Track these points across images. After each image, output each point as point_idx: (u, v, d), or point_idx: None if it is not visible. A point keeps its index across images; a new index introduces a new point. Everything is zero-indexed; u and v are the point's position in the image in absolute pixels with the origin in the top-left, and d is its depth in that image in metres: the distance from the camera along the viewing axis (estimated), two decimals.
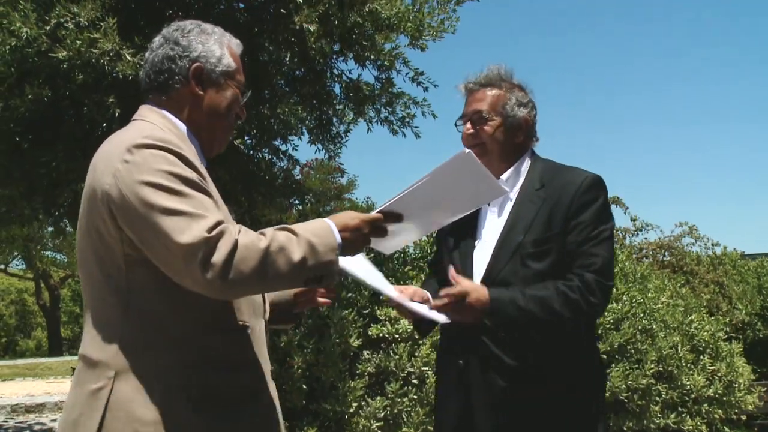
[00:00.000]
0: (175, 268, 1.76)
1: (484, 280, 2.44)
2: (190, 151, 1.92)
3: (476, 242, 2.57)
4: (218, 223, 1.76)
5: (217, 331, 1.91)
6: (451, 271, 2.37)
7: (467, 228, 2.58)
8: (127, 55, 4.07)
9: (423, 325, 2.62)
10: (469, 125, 2.57)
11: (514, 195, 2.54)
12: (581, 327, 2.48)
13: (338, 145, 6.09)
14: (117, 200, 1.79)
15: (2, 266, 27.48)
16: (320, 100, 5.74)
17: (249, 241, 1.78)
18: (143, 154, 1.81)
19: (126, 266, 1.84)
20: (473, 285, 2.36)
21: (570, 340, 2.45)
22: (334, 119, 6.00)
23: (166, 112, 2.02)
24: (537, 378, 2.39)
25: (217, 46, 2.07)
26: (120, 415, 1.78)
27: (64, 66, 4.09)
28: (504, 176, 2.54)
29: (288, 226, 1.92)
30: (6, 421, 9.51)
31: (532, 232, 2.44)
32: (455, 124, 2.61)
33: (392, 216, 2.09)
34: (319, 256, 1.86)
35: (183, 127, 2.02)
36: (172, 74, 2.03)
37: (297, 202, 6.90)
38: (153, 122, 1.97)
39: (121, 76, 4.08)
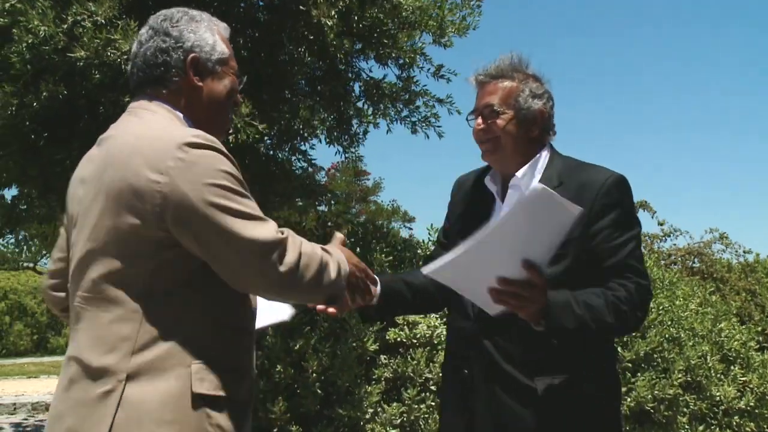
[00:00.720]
0: (244, 267, 1.80)
1: None
2: None
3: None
4: (280, 226, 1.86)
5: (229, 334, 1.90)
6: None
7: (476, 226, 2.46)
8: None
9: (372, 312, 2.48)
10: (480, 120, 2.43)
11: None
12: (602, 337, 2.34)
13: (356, 145, 5.99)
14: (174, 200, 1.74)
15: (31, 264, 27.89)
16: (340, 98, 5.65)
17: (310, 249, 1.89)
18: (197, 153, 1.78)
19: (154, 268, 1.80)
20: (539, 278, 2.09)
21: (589, 350, 2.29)
22: (354, 119, 5.91)
23: (168, 106, 1.95)
24: (548, 398, 2.23)
25: (208, 33, 2.01)
26: (133, 415, 1.73)
27: (81, 64, 4.05)
28: (519, 173, 2.39)
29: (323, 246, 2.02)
30: (26, 419, 9.57)
31: None
32: (467, 119, 2.48)
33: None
34: (341, 278, 1.99)
35: (186, 120, 1.96)
36: (167, 67, 1.95)
37: (319, 203, 6.83)
38: (163, 116, 1.92)
39: None
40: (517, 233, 1.95)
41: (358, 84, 5.77)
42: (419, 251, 5.83)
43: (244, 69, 4.80)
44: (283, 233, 1.83)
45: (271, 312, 2.33)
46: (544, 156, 2.44)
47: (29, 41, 4.00)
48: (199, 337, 1.83)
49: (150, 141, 1.82)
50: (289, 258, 1.81)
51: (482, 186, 2.51)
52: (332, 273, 1.93)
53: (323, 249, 1.97)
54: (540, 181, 2.36)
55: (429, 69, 5.56)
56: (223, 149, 1.84)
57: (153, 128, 1.87)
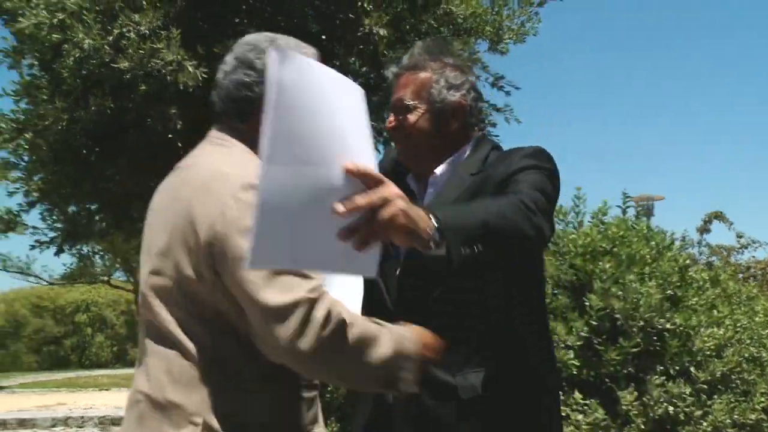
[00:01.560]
0: (257, 329, 1.67)
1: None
2: None
3: None
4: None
5: (290, 382, 1.80)
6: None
7: None
8: (189, 67, 3.99)
9: None
10: (392, 117, 2.15)
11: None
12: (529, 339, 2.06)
13: None
14: (220, 242, 1.67)
15: (105, 278, 28.77)
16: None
17: (349, 318, 1.70)
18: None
19: (210, 308, 1.73)
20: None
21: (515, 342, 2.04)
22: None
23: (246, 141, 1.86)
24: (470, 396, 1.99)
25: None
26: None
27: (127, 76, 4.05)
28: (438, 170, 2.13)
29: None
30: None
31: (461, 199, 2.00)
32: (384, 116, 2.26)
33: None
34: (401, 358, 1.78)
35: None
36: (249, 101, 1.86)
37: None
38: (238, 153, 1.85)
39: (182, 87, 3.98)
40: (301, 131, 1.31)
41: None
42: None
43: None
44: (312, 295, 1.65)
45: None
46: (467, 151, 2.16)
47: (77, 55, 4.01)
48: (222, 390, 1.72)
49: (216, 179, 1.75)
50: (314, 325, 1.63)
51: (404, 181, 2.20)
52: (385, 349, 1.73)
53: (376, 322, 1.77)
54: (459, 170, 2.10)
55: (486, 78, 5.35)
56: None
57: (223, 164, 1.80)
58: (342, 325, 1.68)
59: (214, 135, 1.94)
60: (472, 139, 2.19)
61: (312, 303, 1.65)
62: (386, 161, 2.33)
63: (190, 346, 1.76)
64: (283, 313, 1.63)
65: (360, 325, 1.73)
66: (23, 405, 12.19)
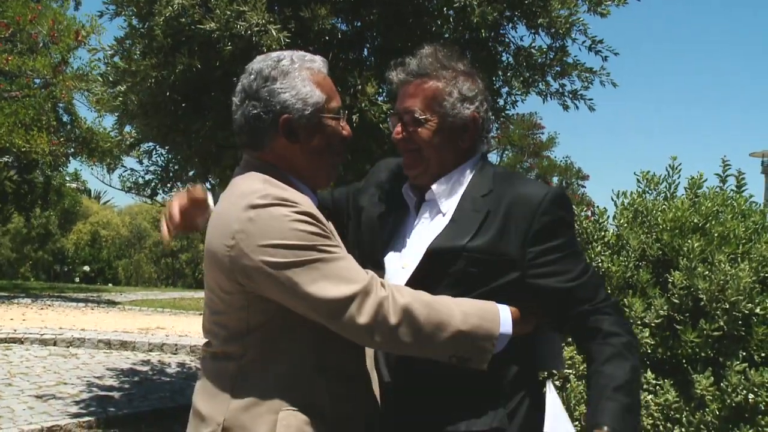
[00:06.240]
0: (325, 321, 1.78)
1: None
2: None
3: (388, 248, 2.08)
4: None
5: (326, 381, 1.88)
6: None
7: (385, 238, 2.10)
8: (273, 30, 3.99)
9: None
10: (399, 127, 2.07)
11: (448, 208, 2.04)
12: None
13: (501, 120, 5.68)
14: (239, 264, 1.77)
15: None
16: (486, 68, 5.34)
17: (411, 298, 1.80)
18: (262, 214, 1.79)
19: (248, 319, 1.84)
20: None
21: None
22: (503, 90, 5.58)
23: (263, 168, 1.94)
24: None
25: (301, 83, 1.90)
26: None
27: (215, 36, 4.09)
28: (435, 185, 2.05)
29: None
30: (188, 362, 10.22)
31: (478, 239, 1.93)
32: (386, 118, 2.16)
33: None
34: (476, 335, 1.83)
35: (286, 176, 1.93)
36: (260, 132, 1.92)
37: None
38: (253, 180, 1.92)
39: (265, 50, 3.99)
40: None
41: (506, 54, 5.42)
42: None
43: (374, 46, 4.64)
44: (363, 282, 1.74)
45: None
46: (470, 166, 2.07)
47: (167, 14, 4.07)
48: (291, 384, 1.82)
49: (229, 206, 1.85)
50: (368, 308, 1.73)
51: (400, 191, 2.15)
52: (455, 326, 1.79)
53: (454, 301, 1.83)
54: (468, 189, 2.02)
55: (584, 41, 5.12)
56: (296, 202, 1.79)
57: (236, 193, 1.88)
58: (408, 306, 1.76)
59: (242, 162, 2.02)
60: (476, 156, 2.11)
61: (364, 290, 1.74)
62: (383, 173, 2.26)
63: (226, 355, 1.91)
64: (340, 304, 1.73)
65: (428, 302, 1.79)
66: (128, 325, 13.03)
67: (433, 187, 2.06)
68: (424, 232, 2.05)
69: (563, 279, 1.93)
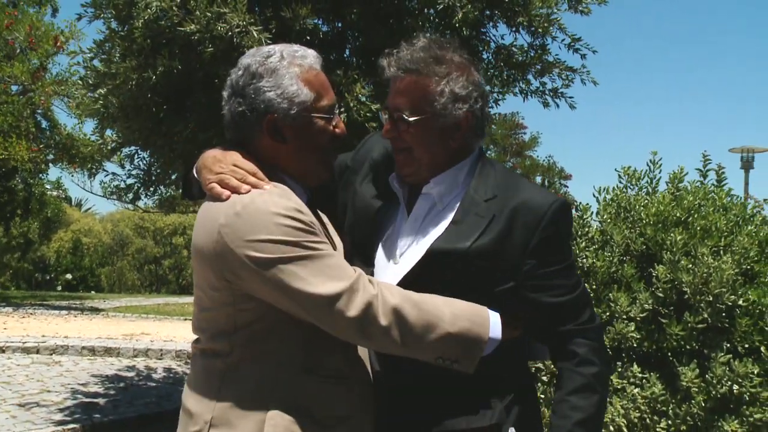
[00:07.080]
0: (313, 317, 1.77)
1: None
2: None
3: (381, 244, 2.05)
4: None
5: (317, 381, 1.86)
6: None
7: (374, 233, 2.07)
8: (254, 32, 3.97)
9: None
10: (389, 125, 2.00)
11: (447, 208, 2.00)
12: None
13: None
14: (225, 259, 1.76)
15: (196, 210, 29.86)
16: None
17: (401, 298, 1.80)
18: (249, 210, 1.77)
19: (236, 317, 1.83)
20: None
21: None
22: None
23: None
24: None
25: (288, 81, 1.85)
26: None
27: (195, 38, 4.07)
28: (432, 181, 2.00)
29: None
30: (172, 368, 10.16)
31: (481, 243, 1.90)
32: (372, 119, 2.14)
33: None
34: (465, 336, 1.82)
35: (274, 171, 1.90)
36: (247, 130, 1.89)
37: None
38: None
39: (247, 51, 3.97)
40: None
41: (487, 53, 5.40)
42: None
43: (356, 46, 4.63)
44: (350, 280, 1.74)
45: None
46: (468, 164, 2.02)
47: (146, 17, 4.05)
48: (279, 383, 1.81)
49: (214, 203, 1.83)
50: (356, 306, 1.72)
51: (386, 179, 2.10)
52: (444, 328, 1.78)
53: (444, 301, 1.82)
54: (470, 192, 1.97)
55: (563, 40, 5.14)
56: (283, 198, 1.78)
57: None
58: (402, 302, 1.77)
59: None
60: (473, 153, 2.06)
61: (351, 287, 1.73)
62: (376, 152, 2.18)
63: (215, 353, 1.90)
64: (327, 299, 1.71)
65: (417, 302, 1.79)
66: (112, 332, 12.94)
67: (430, 184, 2.01)
68: (420, 230, 2.01)
69: (555, 293, 1.93)
